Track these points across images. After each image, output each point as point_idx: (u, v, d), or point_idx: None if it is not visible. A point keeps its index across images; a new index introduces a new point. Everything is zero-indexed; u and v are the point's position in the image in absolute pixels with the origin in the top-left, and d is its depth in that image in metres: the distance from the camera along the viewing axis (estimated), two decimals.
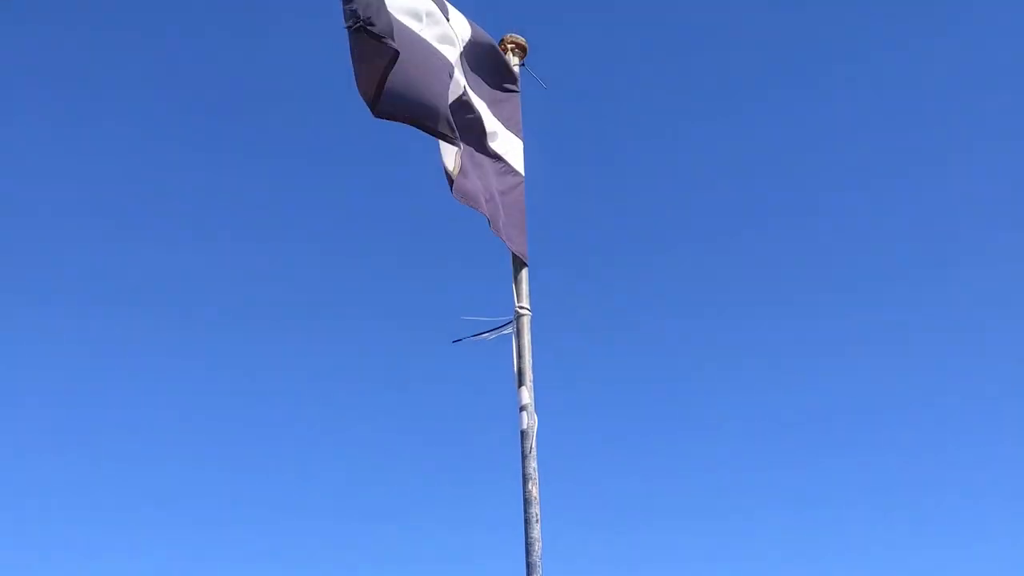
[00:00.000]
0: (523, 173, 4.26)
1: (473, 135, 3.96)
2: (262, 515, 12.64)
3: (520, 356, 3.86)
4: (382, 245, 14.72)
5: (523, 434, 3.75)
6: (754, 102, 14.83)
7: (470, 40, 4.07)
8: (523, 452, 3.74)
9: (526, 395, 3.80)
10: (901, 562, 11.58)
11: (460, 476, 12.86)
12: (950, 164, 13.88)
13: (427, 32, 3.66)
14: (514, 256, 4.04)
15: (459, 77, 3.85)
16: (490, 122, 4.11)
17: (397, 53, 3.28)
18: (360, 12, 3.19)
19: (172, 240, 14.29)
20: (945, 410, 12.92)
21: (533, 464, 3.73)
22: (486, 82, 4.18)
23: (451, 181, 3.79)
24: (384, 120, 3.42)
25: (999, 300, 13.16)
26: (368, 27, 3.19)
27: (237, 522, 12.70)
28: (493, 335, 3.89)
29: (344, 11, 3.22)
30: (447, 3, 3.96)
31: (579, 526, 11.27)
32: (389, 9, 3.36)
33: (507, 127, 4.25)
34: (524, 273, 4.04)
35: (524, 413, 3.77)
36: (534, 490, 3.70)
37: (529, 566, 3.63)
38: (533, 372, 3.85)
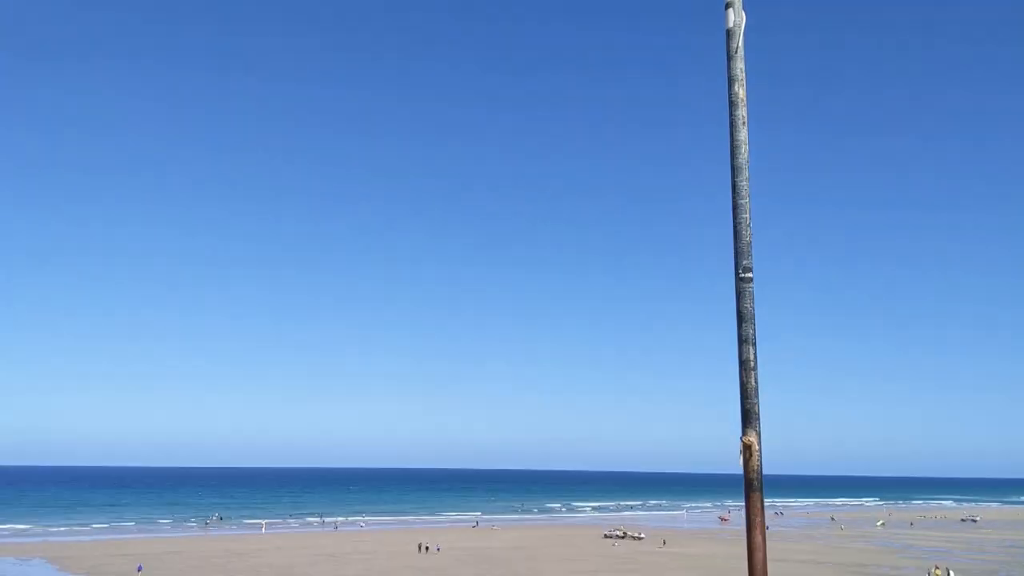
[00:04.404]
0: None
1: None
2: None
3: None
4: None
5: (728, 33, 3.42)
6: None
7: None
8: (728, 52, 3.42)
9: None
10: None
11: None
12: None
13: None
14: None
15: None
16: None
17: None
18: None
19: None
20: None
21: (740, 65, 3.43)
22: None
23: None
24: None
25: None
26: None
27: None
28: None
29: None
30: None
31: None
32: None
33: None
34: None
35: (730, 10, 3.41)
36: (740, 92, 3.43)
37: (735, 169, 3.37)
38: None
